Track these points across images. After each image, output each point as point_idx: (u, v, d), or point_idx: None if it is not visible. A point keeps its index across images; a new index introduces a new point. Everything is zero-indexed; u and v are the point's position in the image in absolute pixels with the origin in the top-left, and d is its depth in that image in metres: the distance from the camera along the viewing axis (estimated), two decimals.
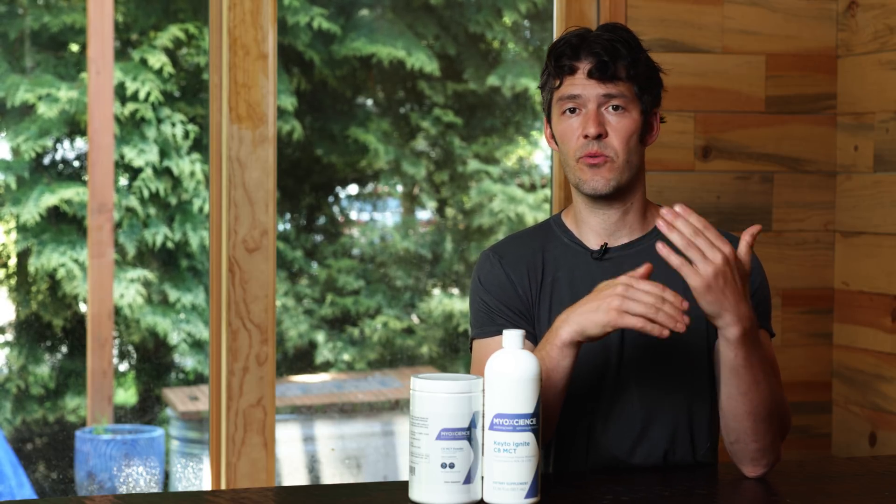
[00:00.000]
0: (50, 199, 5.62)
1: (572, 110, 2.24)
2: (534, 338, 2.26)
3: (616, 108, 2.22)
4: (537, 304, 2.28)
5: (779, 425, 2.17)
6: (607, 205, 2.26)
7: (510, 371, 1.89)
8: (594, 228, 2.29)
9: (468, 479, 1.89)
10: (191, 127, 5.89)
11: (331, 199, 6.68)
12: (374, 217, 6.75)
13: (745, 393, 2.11)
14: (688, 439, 2.26)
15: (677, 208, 2.00)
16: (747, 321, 2.05)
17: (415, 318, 6.50)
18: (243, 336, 2.89)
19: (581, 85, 2.22)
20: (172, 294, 5.88)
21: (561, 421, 2.23)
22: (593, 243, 2.29)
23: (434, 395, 1.88)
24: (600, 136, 2.21)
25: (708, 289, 2.00)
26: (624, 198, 2.26)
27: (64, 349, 5.86)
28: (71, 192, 5.65)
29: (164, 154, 5.84)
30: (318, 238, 6.59)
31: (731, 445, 2.18)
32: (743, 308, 2.04)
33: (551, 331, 2.10)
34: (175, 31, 5.91)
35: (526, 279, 2.28)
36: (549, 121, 2.31)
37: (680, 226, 1.99)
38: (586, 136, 2.21)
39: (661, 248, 1.99)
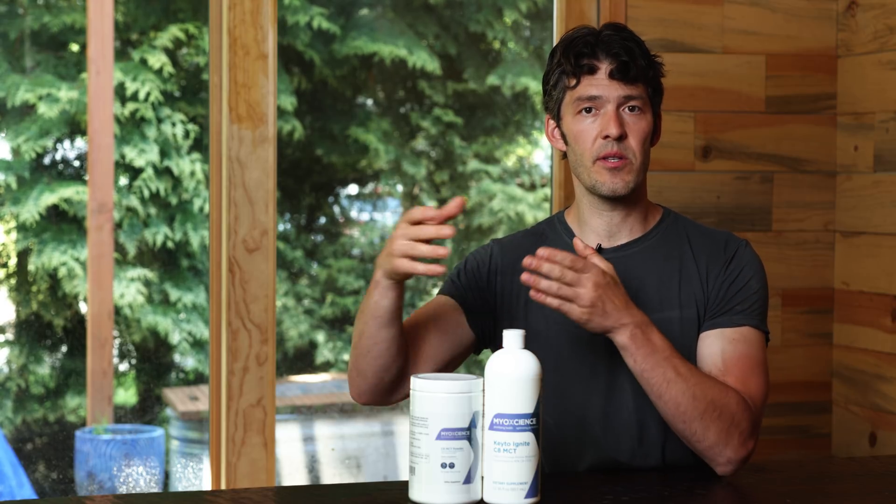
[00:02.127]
0: (50, 198, 5.63)
1: (588, 110, 2.22)
2: (493, 328, 2.28)
3: (633, 109, 2.21)
4: (520, 295, 2.28)
5: (728, 421, 2.11)
6: (612, 207, 2.26)
7: (510, 371, 1.89)
8: (596, 229, 2.29)
9: (468, 479, 1.90)
10: (191, 127, 5.90)
11: (331, 199, 6.68)
12: (374, 217, 6.75)
13: (660, 395, 2.10)
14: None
15: (541, 251, 2.03)
16: (634, 326, 2.07)
17: None
18: (243, 336, 2.89)
19: (602, 85, 2.20)
20: (173, 294, 5.88)
21: (559, 427, 2.23)
22: (592, 243, 2.29)
23: (434, 395, 1.88)
24: (620, 138, 2.20)
25: (590, 316, 2.04)
26: (629, 200, 2.26)
27: (64, 349, 5.86)
28: (71, 191, 5.66)
29: (164, 154, 5.84)
30: (318, 238, 6.59)
31: (689, 447, 2.18)
32: (628, 315, 2.07)
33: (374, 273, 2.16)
34: (175, 31, 5.91)
35: (512, 271, 2.29)
36: (555, 118, 2.29)
37: (546, 269, 2.03)
38: (606, 137, 2.19)
39: (534, 295, 2.04)
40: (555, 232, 2.34)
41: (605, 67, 2.20)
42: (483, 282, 2.31)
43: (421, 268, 2.03)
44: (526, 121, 6.72)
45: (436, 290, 2.43)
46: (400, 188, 6.68)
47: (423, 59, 6.38)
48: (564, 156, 2.31)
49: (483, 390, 1.91)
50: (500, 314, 2.30)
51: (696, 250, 2.28)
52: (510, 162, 6.71)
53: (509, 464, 1.89)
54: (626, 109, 2.21)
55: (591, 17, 3.06)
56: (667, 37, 3.11)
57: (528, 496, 1.90)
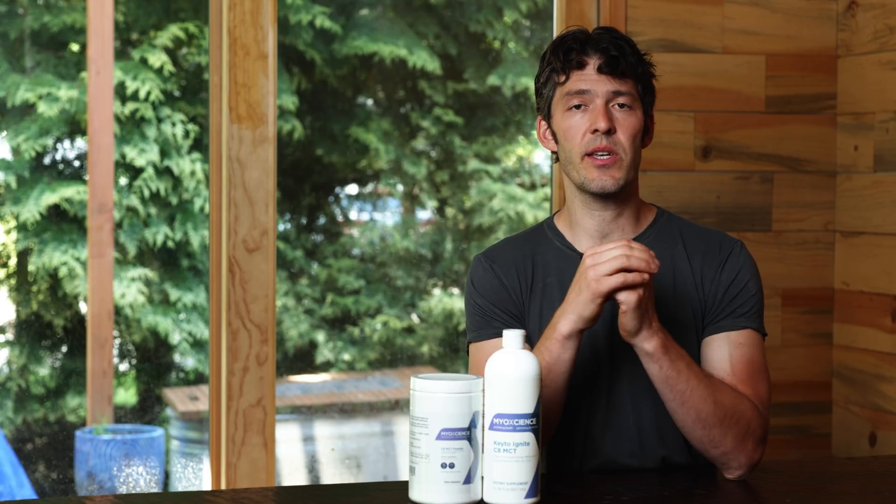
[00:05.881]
0: (50, 198, 5.62)
1: (577, 106, 2.22)
2: (529, 340, 2.25)
3: (622, 105, 2.21)
4: (527, 307, 2.27)
5: (744, 427, 2.14)
6: (603, 206, 2.26)
7: (510, 371, 1.89)
8: (588, 230, 2.28)
9: (468, 479, 1.90)
10: (191, 126, 5.89)
11: (331, 198, 6.68)
12: (374, 217, 6.74)
13: (684, 402, 2.11)
14: (681, 440, 2.25)
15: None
16: (661, 332, 2.08)
17: (415, 318, 6.50)
18: (243, 336, 2.89)
19: (591, 80, 2.21)
20: (173, 294, 5.88)
21: (559, 429, 2.23)
22: (585, 246, 2.28)
23: (434, 395, 1.88)
24: (609, 132, 2.20)
25: (638, 306, 2.03)
26: (621, 199, 2.26)
27: (64, 349, 5.86)
28: (71, 191, 5.65)
29: (164, 153, 5.84)
30: (318, 238, 6.59)
31: (700, 453, 2.18)
32: (656, 321, 2.07)
33: (549, 327, 2.11)
34: (175, 30, 5.91)
35: (517, 283, 2.28)
36: (546, 118, 2.29)
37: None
38: (594, 132, 2.19)
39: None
40: (545, 238, 2.32)
41: (593, 62, 2.21)
42: (504, 298, 2.29)
43: (633, 277, 2.01)
44: (526, 121, 6.71)
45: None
46: (400, 188, 6.68)
47: (424, 59, 6.37)
48: (556, 158, 2.30)
49: (483, 390, 1.91)
50: (524, 318, 2.29)
51: (689, 251, 2.28)
52: (510, 162, 6.71)
53: (509, 464, 1.89)
54: (616, 106, 2.21)
55: (591, 17, 3.06)
56: (667, 37, 3.11)
57: (528, 496, 1.90)
